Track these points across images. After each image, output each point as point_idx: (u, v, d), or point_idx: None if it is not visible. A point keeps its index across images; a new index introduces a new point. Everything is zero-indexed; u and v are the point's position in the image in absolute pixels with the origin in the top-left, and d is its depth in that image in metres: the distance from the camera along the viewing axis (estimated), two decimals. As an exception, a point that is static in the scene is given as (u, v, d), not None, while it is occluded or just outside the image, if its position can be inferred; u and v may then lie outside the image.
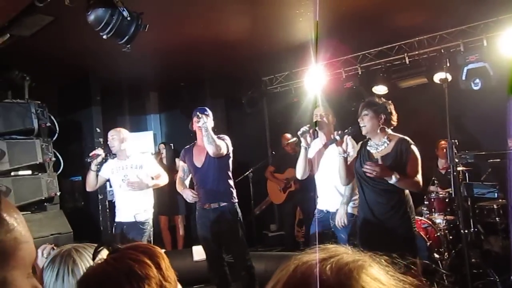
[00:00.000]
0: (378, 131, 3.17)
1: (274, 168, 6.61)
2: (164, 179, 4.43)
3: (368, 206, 3.19)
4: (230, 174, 4.03)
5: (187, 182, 4.20)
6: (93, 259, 1.22)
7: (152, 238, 4.38)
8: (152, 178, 4.35)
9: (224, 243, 4.02)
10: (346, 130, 3.24)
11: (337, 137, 3.20)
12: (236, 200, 4.00)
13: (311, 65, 6.11)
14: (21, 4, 3.49)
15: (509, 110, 3.70)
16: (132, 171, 4.28)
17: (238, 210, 3.98)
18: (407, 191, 3.16)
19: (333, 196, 3.64)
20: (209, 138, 3.75)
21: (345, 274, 0.62)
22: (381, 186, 3.09)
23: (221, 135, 4.03)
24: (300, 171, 3.73)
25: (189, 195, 3.94)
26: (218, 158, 3.89)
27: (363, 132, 3.20)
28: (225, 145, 3.90)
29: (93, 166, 4.30)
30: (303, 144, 3.59)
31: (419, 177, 3.08)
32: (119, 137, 4.28)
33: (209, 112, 4.03)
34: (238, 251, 3.96)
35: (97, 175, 4.36)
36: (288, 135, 6.24)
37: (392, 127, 3.23)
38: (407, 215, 3.15)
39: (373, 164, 3.00)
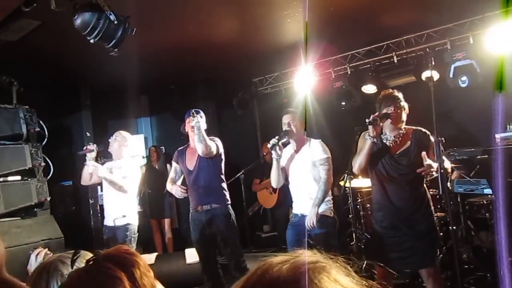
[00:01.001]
0: (401, 123, 3.21)
1: (259, 180, 6.67)
2: (124, 183, 4.30)
3: (391, 203, 3.15)
4: (222, 176, 4.05)
5: (178, 183, 4.18)
6: (71, 266, 1.22)
7: (134, 244, 4.34)
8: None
9: (218, 245, 4.02)
10: (384, 113, 3.18)
11: (377, 118, 3.13)
12: (229, 202, 4.01)
13: (300, 66, 6.14)
14: (7, 9, 3.47)
15: (496, 106, 3.74)
16: (115, 171, 4.36)
17: (231, 211, 3.99)
18: (425, 185, 3.17)
19: (307, 199, 3.62)
20: (200, 136, 3.79)
21: (301, 273, 0.65)
22: (406, 180, 3.08)
23: (212, 137, 4.04)
24: (274, 181, 3.76)
25: (178, 191, 3.96)
26: (209, 160, 3.92)
27: (390, 122, 3.19)
28: (215, 146, 3.93)
29: (87, 161, 4.38)
30: (274, 155, 3.61)
31: (447, 163, 3.13)
32: (120, 139, 4.38)
33: (202, 114, 4.07)
34: (232, 252, 3.96)
35: (91, 172, 4.43)
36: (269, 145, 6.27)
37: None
38: (430, 209, 3.17)
39: (426, 167, 2.93)
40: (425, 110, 5.07)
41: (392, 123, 3.20)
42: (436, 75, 5.03)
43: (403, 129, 3.22)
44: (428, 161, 2.93)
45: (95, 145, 4.41)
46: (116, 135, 4.46)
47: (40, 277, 1.37)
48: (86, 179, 4.52)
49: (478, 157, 4.61)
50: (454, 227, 2.83)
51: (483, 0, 4.54)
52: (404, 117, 3.22)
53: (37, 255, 1.97)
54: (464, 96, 5.33)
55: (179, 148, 4.21)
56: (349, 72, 6.09)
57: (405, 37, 5.54)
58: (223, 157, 4.06)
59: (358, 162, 3.25)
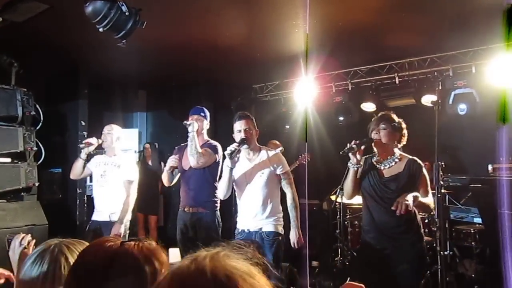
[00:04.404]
0: (389, 147, 3.11)
1: None
2: (132, 197, 4.24)
3: (377, 226, 3.09)
4: (215, 183, 3.92)
5: (175, 180, 4.14)
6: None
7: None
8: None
9: (199, 248, 3.92)
10: (365, 140, 3.09)
11: (354, 146, 3.01)
12: (217, 209, 3.93)
13: (302, 77, 6.16)
14: (17, -11, 3.44)
15: (499, 136, 3.76)
16: (111, 168, 4.24)
17: (218, 219, 3.90)
18: (414, 209, 3.06)
19: (256, 215, 3.44)
20: (192, 149, 3.72)
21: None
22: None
23: (212, 142, 3.96)
24: (222, 192, 3.54)
25: (170, 160, 3.93)
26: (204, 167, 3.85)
27: (376, 147, 3.11)
28: (209, 157, 3.82)
29: (83, 154, 4.24)
30: (229, 164, 3.37)
31: (431, 199, 3.08)
32: (114, 134, 4.27)
33: (206, 114, 4.01)
34: None
35: (84, 164, 4.30)
36: (276, 142, 6.17)
37: (400, 147, 3.18)
38: (419, 234, 3.10)
39: (398, 205, 2.84)
40: (420, 134, 5.14)
41: (378, 145, 3.13)
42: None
43: (397, 154, 3.13)
44: (399, 198, 2.87)
45: (95, 139, 4.28)
46: (109, 129, 4.29)
47: (42, 257, 1.37)
48: (77, 172, 4.32)
49: (472, 185, 4.64)
50: (444, 253, 2.81)
51: (489, 31, 4.59)
52: (397, 141, 3.13)
53: (21, 240, 1.92)
54: (461, 124, 5.38)
55: (181, 144, 4.13)
56: (349, 88, 6.12)
57: (408, 60, 5.60)
58: (220, 163, 3.91)
59: (346, 189, 3.22)
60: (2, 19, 3.77)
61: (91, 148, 4.22)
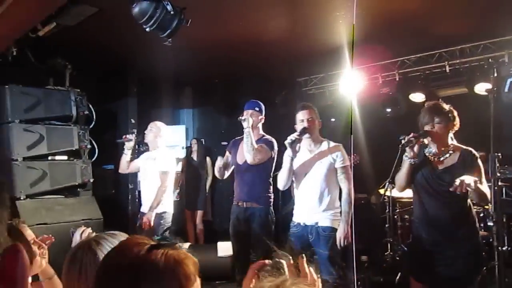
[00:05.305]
0: (444, 139, 2.98)
1: None
2: (168, 188, 4.40)
3: (430, 220, 2.99)
4: (269, 178, 3.92)
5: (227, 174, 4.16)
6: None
7: (167, 233, 4.38)
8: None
9: (251, 244, 3.96)
10: (421, 133, 2.95)
11: (412, 139, 2.89)
12: (271, 204, 3.91)
13: (347, 69, 6.03)
14: (69, -6, 3.60)
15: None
16: (150, 162, 4.46)
17: (272, 215, 3.88)
18: (469, 202, 2.97)
19: (313, 208, 3.41)
20: (248, 146, 3.68)
21: None
22: (448, 197, 2.86)
23: (267, 137, 3.93)
24: (282, 182, 3.50)
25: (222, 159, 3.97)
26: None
27: (431, 139, 2.98)
28: (265, 154, 3.79)
29: (125, 150, 4.55)
30: (290, 154, 3.33)
31: (487, 189, 2.93)
32: (155, 130, 4.48)
33: (261, 107, 3.97)
34: (263, 252, 3.90)
35: (131, 159, 4.59)
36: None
37: (454, 137, 3.05)
38: (474, 228, 2.98)
39: (459, 185, 2.67)
40: (473, 124, 4.90)
41: (434, 139, 2.99)
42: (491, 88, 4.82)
43: (451, 146, 2.99)
44: (461, 177, 2.70)
45: (134, 135, 4.54)
46: (151, 126, 4.56)
47: (75, 257, 1.38)
48: (124, 167, 4.64)
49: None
50: (502, 248, 2.67)
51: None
52: (451, 131, 3.00)
53: (81, 233, 1.97)
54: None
55: (235, 138, 4.13)
56: (397, 79, 5.94)
57: (459, 47, 5.35)
58: (275, 158, 3.91)
59: (399, 182, 3.11)
60: (56, 23, 3.96)
61: (131, 144, 4.48)
